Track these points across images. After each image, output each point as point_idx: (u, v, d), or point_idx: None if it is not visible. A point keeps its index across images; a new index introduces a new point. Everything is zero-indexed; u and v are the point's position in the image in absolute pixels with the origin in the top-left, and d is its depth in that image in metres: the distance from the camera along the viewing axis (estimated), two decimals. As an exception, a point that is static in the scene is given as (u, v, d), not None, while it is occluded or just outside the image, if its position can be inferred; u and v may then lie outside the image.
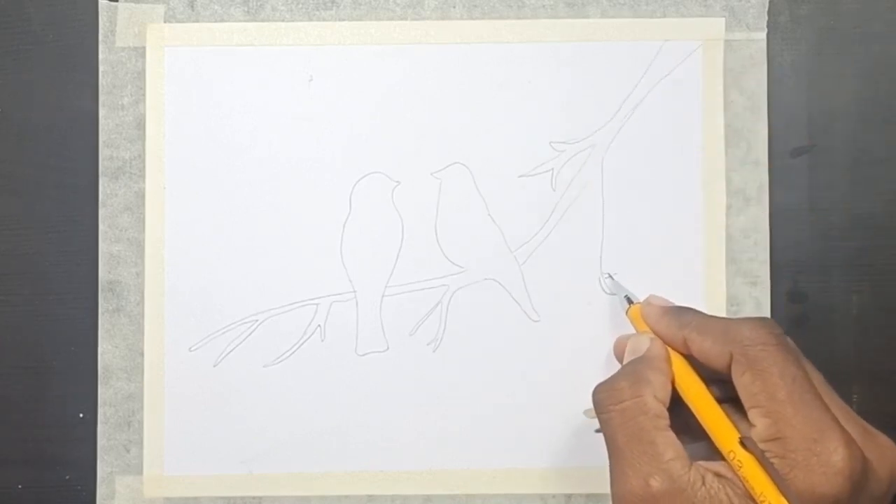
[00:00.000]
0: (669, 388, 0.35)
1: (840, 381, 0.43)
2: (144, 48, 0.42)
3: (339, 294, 0.42)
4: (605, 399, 0.35)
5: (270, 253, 0.42)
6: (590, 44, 0.43)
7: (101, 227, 0.42)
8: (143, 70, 0.42)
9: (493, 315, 0.42)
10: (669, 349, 0.36)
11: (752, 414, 0.32)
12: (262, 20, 0.43)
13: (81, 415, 0.42)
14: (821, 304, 0.43)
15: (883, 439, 0.33)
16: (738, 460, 0.32)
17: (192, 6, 0.43)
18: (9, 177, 0.43)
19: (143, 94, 0.42)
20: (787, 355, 0.33)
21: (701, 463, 0.33)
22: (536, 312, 0.42)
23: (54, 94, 0.43)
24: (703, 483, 0.32)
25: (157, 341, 0.42)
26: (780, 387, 0.32)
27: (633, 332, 0.39)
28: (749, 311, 0.42)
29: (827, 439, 0.31)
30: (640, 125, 0.42)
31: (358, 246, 0.42)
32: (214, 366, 0.42)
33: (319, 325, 0.42)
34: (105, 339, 0.42)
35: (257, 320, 0.42)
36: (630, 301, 0.40)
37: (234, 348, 0.42)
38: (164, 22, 0.43)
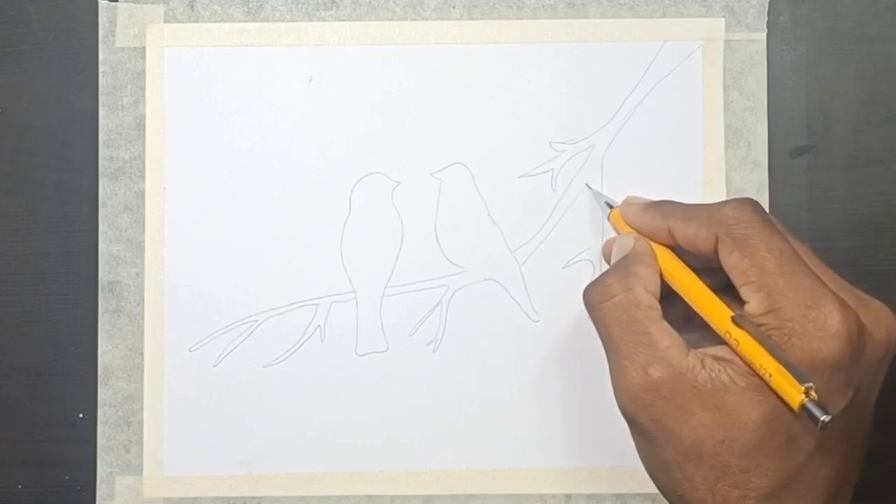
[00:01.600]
0: (658, 280, 0.35)
1: (840, 381, 0.43)
2: (144, 49, 0.42)
3: (339, 294, 0.42)
4: (595, 296, 0.34)
5: (270, 253, 0.42)
6: (590, 44, 0.43)
7: (101, 227, 0.42)
8: (143, 70, 0.42)
9: (493, 315, 0.42)
10: (654, 244, 0.36)
11: (743, 291, 0.32)
12: (262, 20, 0.43)
13: (81, 415, 0.42)
14: (821, 304, 0.43)
15: (877, 304, 0.33)
16: (735, 339, 0.32)
17: (192, 6, 0.43)
18: (8, 177, 0.43)
19: (143, 95, 0.42)
20: (772, 230, 0.32)
21: (698, 349, 0.33)
22: (536, 313, 0.42)
23: (54, 95, 0.43)
24: (703, 366, 0.32)
25: (157, 341, 0.42)
26: (768, 260, 0.32)
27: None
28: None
29: (821, 305, 0.31)
30: (640, 125, 0.43)
31: (358, 246, 0.42)
32: (214, 366, 0.42)
33: (319, 326, 0.42)
34: (105, 339, 0.42)
35: (257, 321, 0.42)
36: (611, 206, 0.40)
37: (233, 349, 0.42)
38: (164, 22, 0.43)
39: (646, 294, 0.34)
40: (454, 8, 0.43)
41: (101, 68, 0.42)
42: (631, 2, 0.43)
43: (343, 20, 0.43)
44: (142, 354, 0.42)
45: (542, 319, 0.42)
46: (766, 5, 0.43)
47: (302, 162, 0.42)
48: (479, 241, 0.42)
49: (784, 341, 0.31)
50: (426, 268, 0.42)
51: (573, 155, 0.43)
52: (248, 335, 0.42)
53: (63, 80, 0.43)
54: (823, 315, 0.31)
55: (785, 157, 0.43)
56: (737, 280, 0.32)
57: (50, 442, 0.43)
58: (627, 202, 0.38)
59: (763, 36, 0.43)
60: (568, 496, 0.42)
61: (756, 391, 0.31)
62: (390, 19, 0.43)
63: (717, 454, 0.31)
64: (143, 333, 0.42)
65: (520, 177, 0.43)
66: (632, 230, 0.37)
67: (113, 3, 0.42)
